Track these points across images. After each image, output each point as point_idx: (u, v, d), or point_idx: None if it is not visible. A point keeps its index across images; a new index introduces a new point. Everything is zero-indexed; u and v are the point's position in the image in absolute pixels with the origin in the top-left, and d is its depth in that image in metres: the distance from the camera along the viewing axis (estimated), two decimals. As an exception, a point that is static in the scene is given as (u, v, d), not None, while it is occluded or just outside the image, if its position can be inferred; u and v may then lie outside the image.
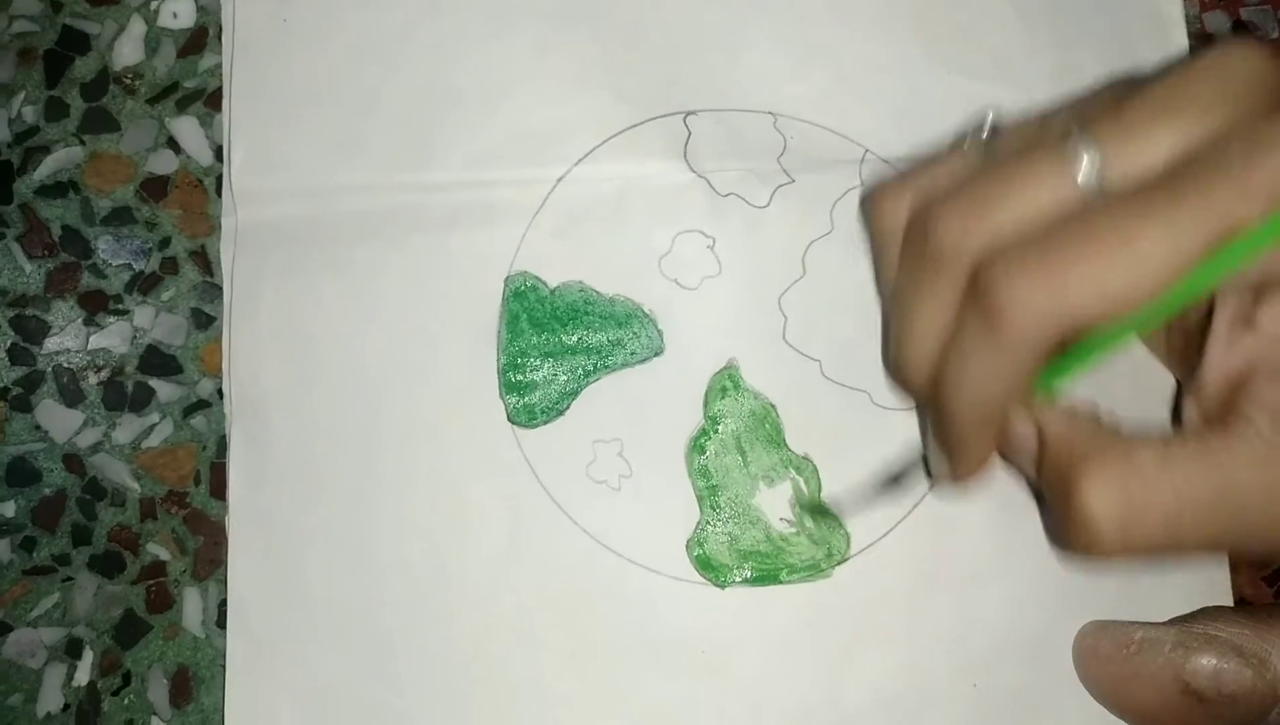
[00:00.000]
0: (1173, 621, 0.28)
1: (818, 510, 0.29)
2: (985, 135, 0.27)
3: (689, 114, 0.31)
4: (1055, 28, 0.32)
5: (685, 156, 0.31)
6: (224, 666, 0.29)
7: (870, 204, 0.26)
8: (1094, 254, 0.20)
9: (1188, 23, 0.32)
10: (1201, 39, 0.33)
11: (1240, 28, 0.33)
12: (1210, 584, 0.30)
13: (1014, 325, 0.20)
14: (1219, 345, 0.22)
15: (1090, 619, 0.29)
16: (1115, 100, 0.22)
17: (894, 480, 0.29)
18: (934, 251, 0.22)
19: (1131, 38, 0.32)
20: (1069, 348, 0.22)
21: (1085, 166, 0.21)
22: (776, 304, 0.31)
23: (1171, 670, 0.26)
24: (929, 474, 0.28)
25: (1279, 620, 0.26)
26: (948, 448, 0.24)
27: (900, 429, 0.30)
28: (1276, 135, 0.19)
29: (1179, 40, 0.32)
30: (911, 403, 0.30)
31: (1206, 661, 0.26)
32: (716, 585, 0.29)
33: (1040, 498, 0.29)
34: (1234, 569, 0.30)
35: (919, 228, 0.23)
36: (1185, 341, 0.25)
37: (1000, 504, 0.30)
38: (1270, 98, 0.20)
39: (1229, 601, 0.30)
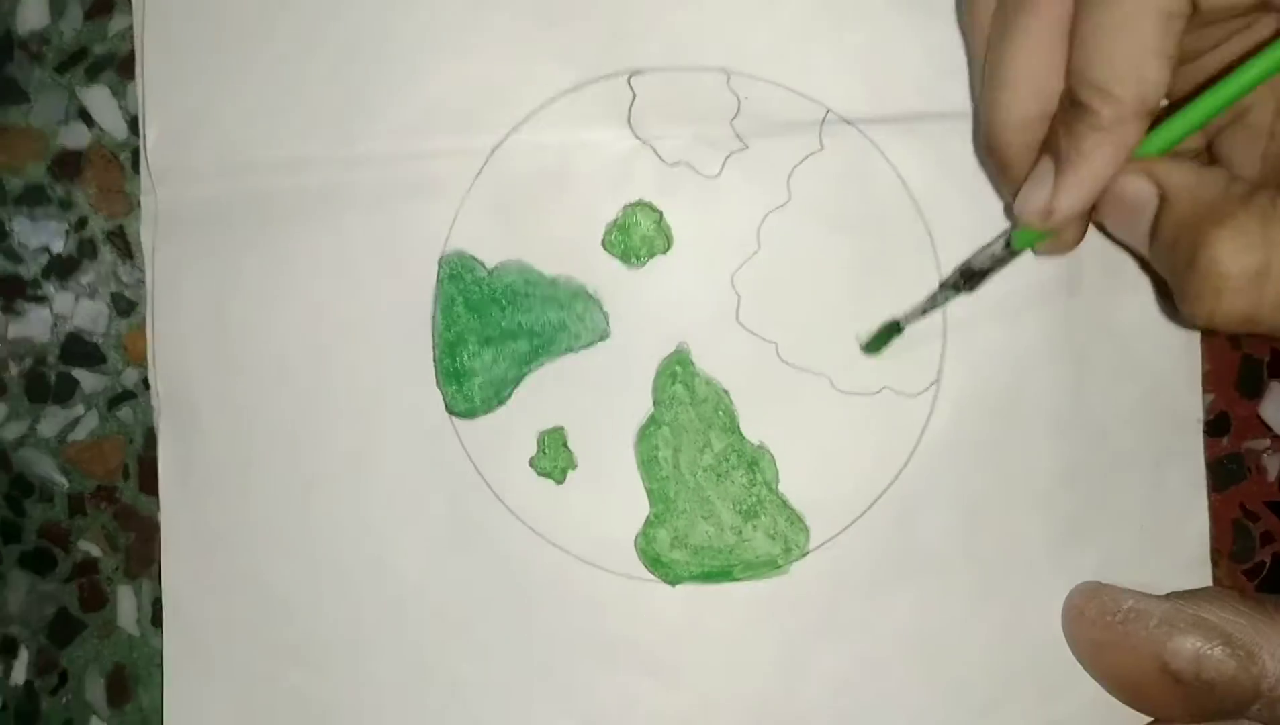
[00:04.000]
0: (1170, 596, 0.27)
1: (880, 342, 0.28)
2: None
3: (634, 74, 0.28)
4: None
5: (629, 122, 0.28)
6: (161, 665, 0.28)
7: None
8: None
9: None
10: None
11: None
12: (1191, 577, 0.28)
13: None
14: None
15: (1057, 612, 0.28)
16: None
17: (969, 274, 0.26)
18: None
19: None
20: (1174, 112, 0.21)
21: None
22: (729, 282, 0.29)
23: (1153, 646, 0.25)
24: (1008, 245, 0.25)
25: None
26: (1069, 160, 0.22)
27: (863, 415, 0.28)
28: None
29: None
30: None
31: (1190, 644, 0.25)
32: (667, 583, 0.28)
33: (1149, 270, 0.27)
34: (1215, 563, 0.29)
35: None
36: None
37: (967, 490, 0.28)
38: None
39: (1208, 591, 0.28)
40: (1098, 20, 0.20)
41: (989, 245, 0.26)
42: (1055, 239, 0.24)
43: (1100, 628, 0.26)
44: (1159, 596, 0.27)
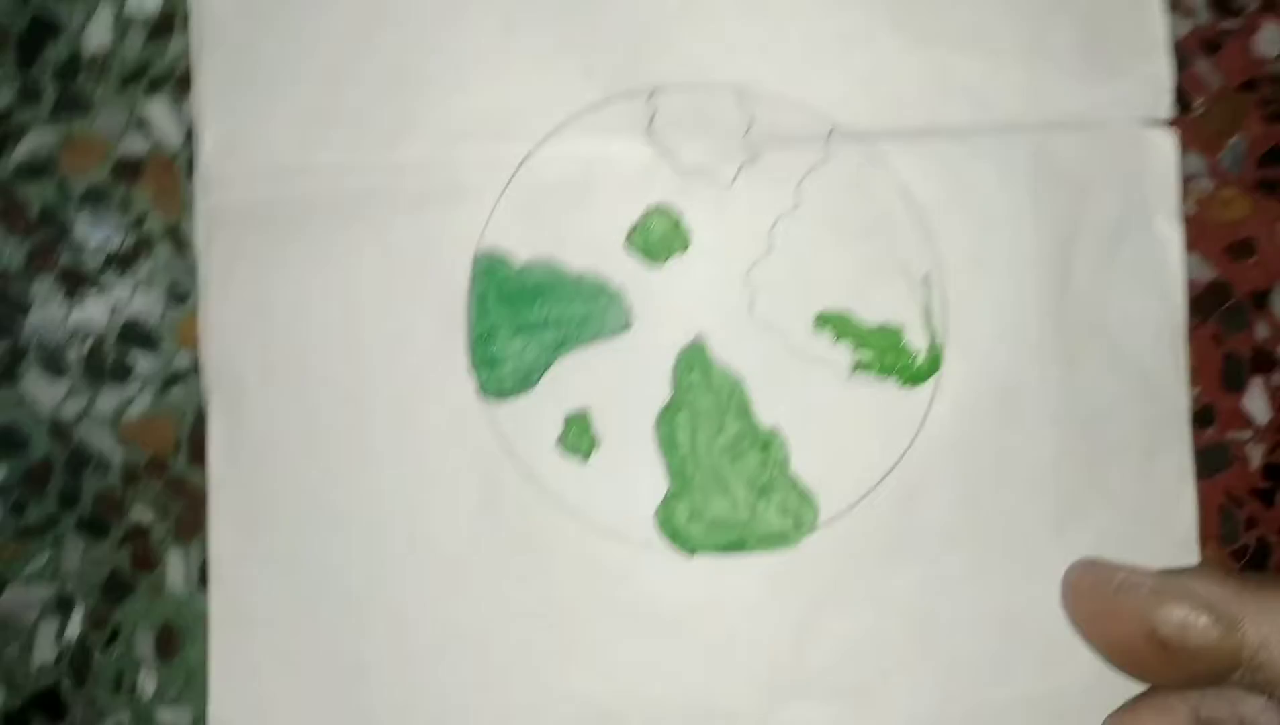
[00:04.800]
0: (1160, 571, 0.28)
1: None
2: None
3: (654, 91, 0.31)
4: (1030, -4, 0.32)
5: (650, 134, 0.31)
6: (207, 623, 0.30)
7: None
8: None
9: (1165, -8, 0.32)
10: (1178, 9, 0.33)
11: (1219, -3, 0.33)
12: (1180, 559, 0.30)
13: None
14: None
15: (1054, 590, 0.29)
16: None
17: None
18: None
19: (1108, 8, 0.32)
20: None
21: None
22: (743, 280, 0.31)
23: (1142, 614, 0.27)
24: None
25: (1266, 588, 0.26)
26: None
27: (868, 402, 0.30)
28: None
29: (1155, 12, 0.32)
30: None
31: (1177, 612, 0.26)
32: (685, 553, 0.30)
33: None
34: (1202, 546, 0.30)
35: None
36: None
37: (967, 474, 0.30)
38: None
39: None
40: None
41: None
42: None
43: (1095, 598, 0.28)
44: (1149, 571, 0.28)
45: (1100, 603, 0.28)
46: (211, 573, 0.30)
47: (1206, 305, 0.32)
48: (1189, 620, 0.26)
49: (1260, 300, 0.32)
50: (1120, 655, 0.28)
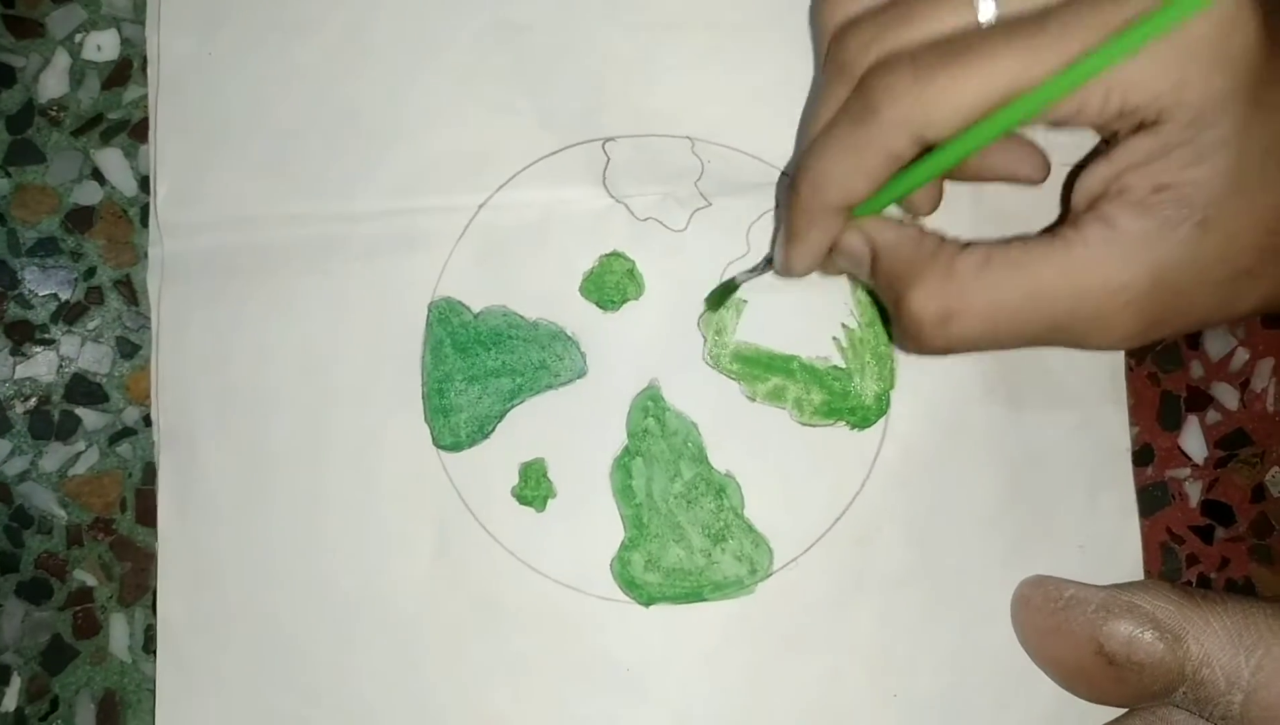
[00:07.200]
0: (1108, 587, 0.29)
1: (718, 300, 0.30)
2: None
3: (608, 140, 0.32)
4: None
5: (604, 182, 0.31)
6: (152, 691, 0.29)
7: (813, 12, 0.28)
8: (959, 67, 0.22)
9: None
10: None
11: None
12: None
13: (881, 120, 0.23)
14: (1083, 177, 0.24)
15: (1006, 626, 0.30)
16: None
17: (759, 267, 0.30)
18: (839, 61, 0.24)
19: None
20: (891, 177, 0.24)
21: (986, 3, 0.23)
22: (695, 325, 0.31)
23: (1090, 630, 0.27)
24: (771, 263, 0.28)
25: (1210, 604, 0.27)
26: (791, 235, 0.26)
27: (820, 445, 0.31)
28: None
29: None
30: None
31: (1123, 628, 0.27)
32: (641, 604, 0.30)
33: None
34: (1147, 571, 0.31)
35: (837, 41, 0.25)
36: None
37: (917, 515, 0.31)
38: None
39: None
40: (839, 133, 0.24)
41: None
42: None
43: (1044, 614, 0.28)
44: (1096, 587, 0.29)
45: (1049, 618, 0.28)
46: (160, 637, 0.29)
47: (1142, 346, 0.33)
48: (1135, 635, 0.27)
49: (1194, 340, 0.33)
50: (1069, 672, 0.28)
